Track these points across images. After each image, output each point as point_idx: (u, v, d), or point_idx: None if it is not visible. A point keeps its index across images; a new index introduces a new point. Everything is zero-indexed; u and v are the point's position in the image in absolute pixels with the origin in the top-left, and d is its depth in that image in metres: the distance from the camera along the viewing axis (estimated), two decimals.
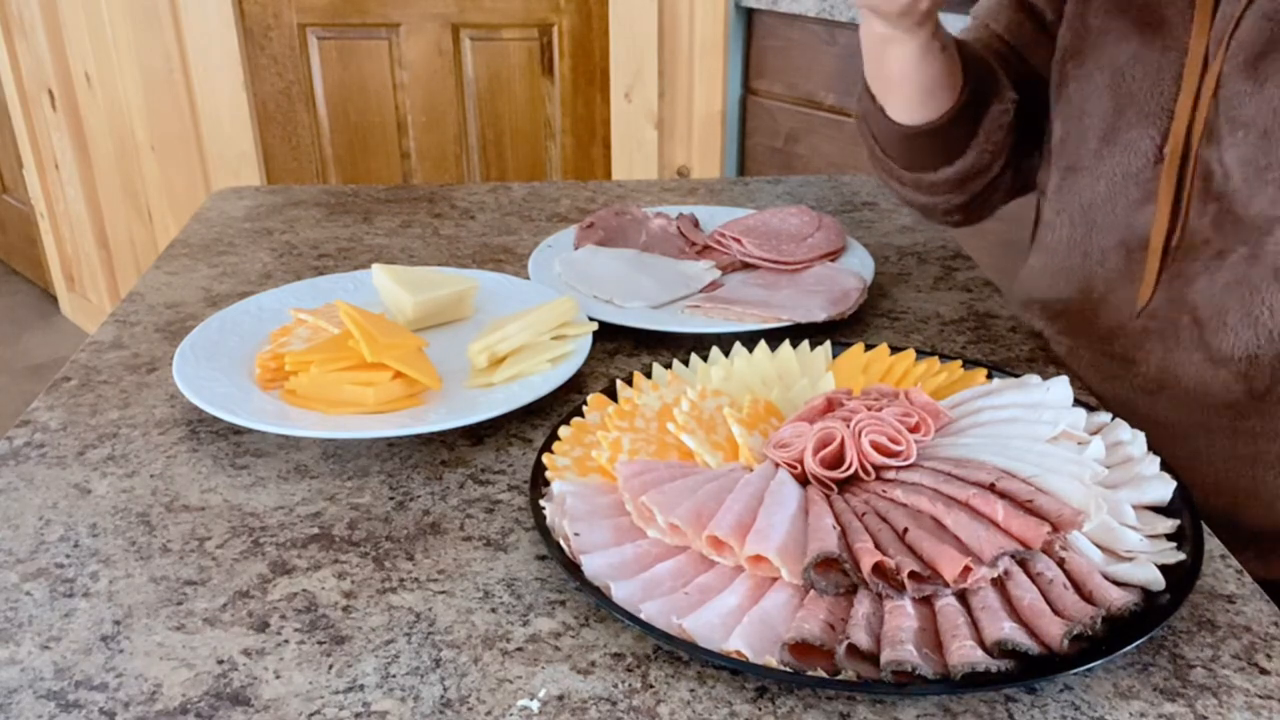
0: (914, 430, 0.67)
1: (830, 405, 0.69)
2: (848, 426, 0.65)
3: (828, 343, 0.83)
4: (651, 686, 0.54)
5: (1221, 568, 0.63)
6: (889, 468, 0.65)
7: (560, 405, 0.80)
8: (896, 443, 0.65)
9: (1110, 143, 0.84)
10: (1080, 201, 0.89)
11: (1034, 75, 0.95)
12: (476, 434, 0.77)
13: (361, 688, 0.54)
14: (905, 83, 0.87)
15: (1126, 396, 0.87)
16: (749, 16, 2.20)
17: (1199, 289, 0.81)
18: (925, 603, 0.56)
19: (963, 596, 0.56)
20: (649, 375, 0.79)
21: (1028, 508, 0.60)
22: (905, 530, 0.59)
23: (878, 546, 0.58)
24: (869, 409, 0.67)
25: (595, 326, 0.87)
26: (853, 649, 0.52)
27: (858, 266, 1.02)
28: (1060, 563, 0.58)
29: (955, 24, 1.80)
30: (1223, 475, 0.82)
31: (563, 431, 0.72)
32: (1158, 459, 0.68)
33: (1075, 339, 0.92)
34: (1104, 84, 0.85)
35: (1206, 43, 0.77)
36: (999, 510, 0.59)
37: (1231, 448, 0.82)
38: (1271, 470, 0.81)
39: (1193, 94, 0.78)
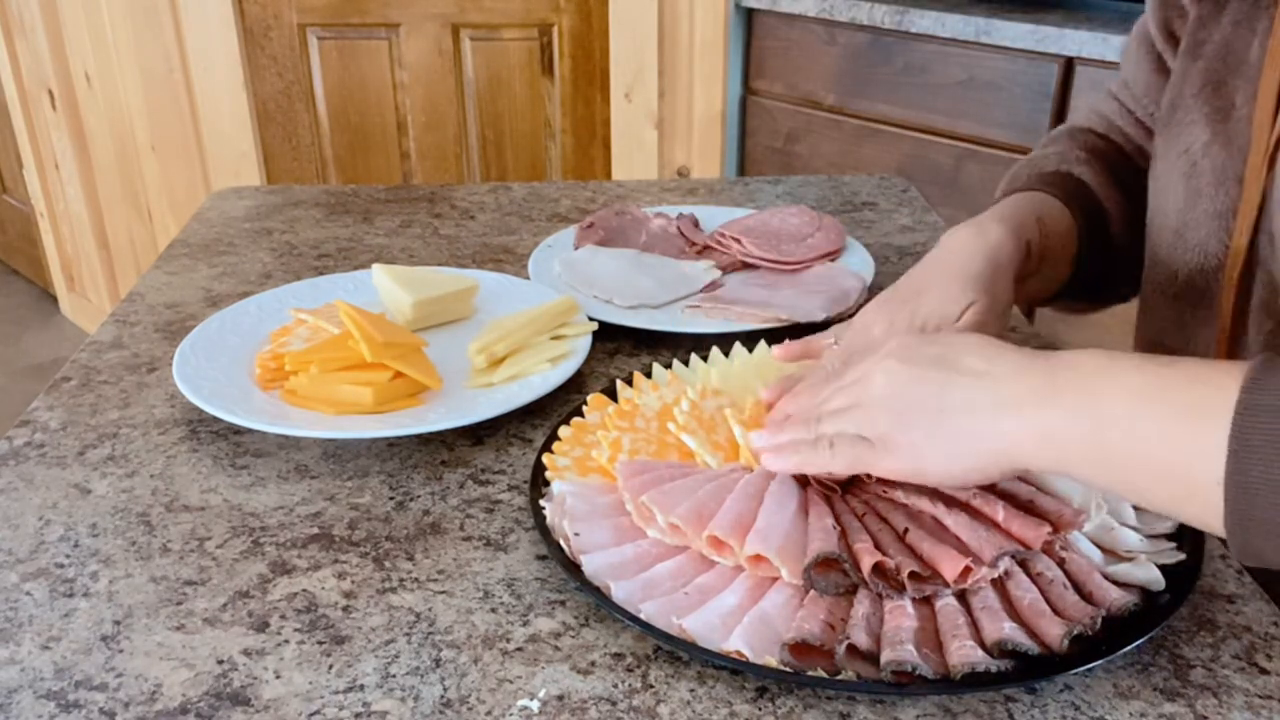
0: None
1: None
2: None
3: None
4: (651, 686, 0.54)
5: (1221, 568, 0.63)
6: None
7: (560, 405, 0.80)
8: None
9: (1181, 238, 0.77)
10: (1159, 298, 0.81)
11: None
12: (476, 434, 0.77)
13: (361, 688, 0.54)
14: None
15: None
16: (749, 16, 2.20)
17: None
18: (925, 603, 0.56)
19: (963, 596, 0.56)
20: (649, 375, 0.79)
21: (1028, 508, 0.60)
22: (905, 530, 0.59)
23: (878, 546, 0.58)
24: None
25: (595, 326, 0.87)
26: (853, 649, 0.52)
27: (858, 266, 1.02)
28: (1060, 563, 0.58)
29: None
30: None
31: (563, 431, 0.72)
32: None
33: None
34: (1180, 172, 0.76)
35: (1270, 146, 0.69)
36: (999, 510, 0.59)
37: None
38: None
39: (1257, 200, 0.70)
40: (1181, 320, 0.80)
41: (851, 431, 0.60)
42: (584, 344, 0.84)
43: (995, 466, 0.56)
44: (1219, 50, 0.76)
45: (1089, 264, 0.84)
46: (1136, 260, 0.85)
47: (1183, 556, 0.59)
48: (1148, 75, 0.87)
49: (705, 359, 0.82)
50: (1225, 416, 0.49)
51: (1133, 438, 0.52)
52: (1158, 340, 0.83)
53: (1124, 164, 0.89)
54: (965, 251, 0.74)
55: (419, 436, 0.76)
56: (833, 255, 1.04)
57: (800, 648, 0.53)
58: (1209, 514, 0.50)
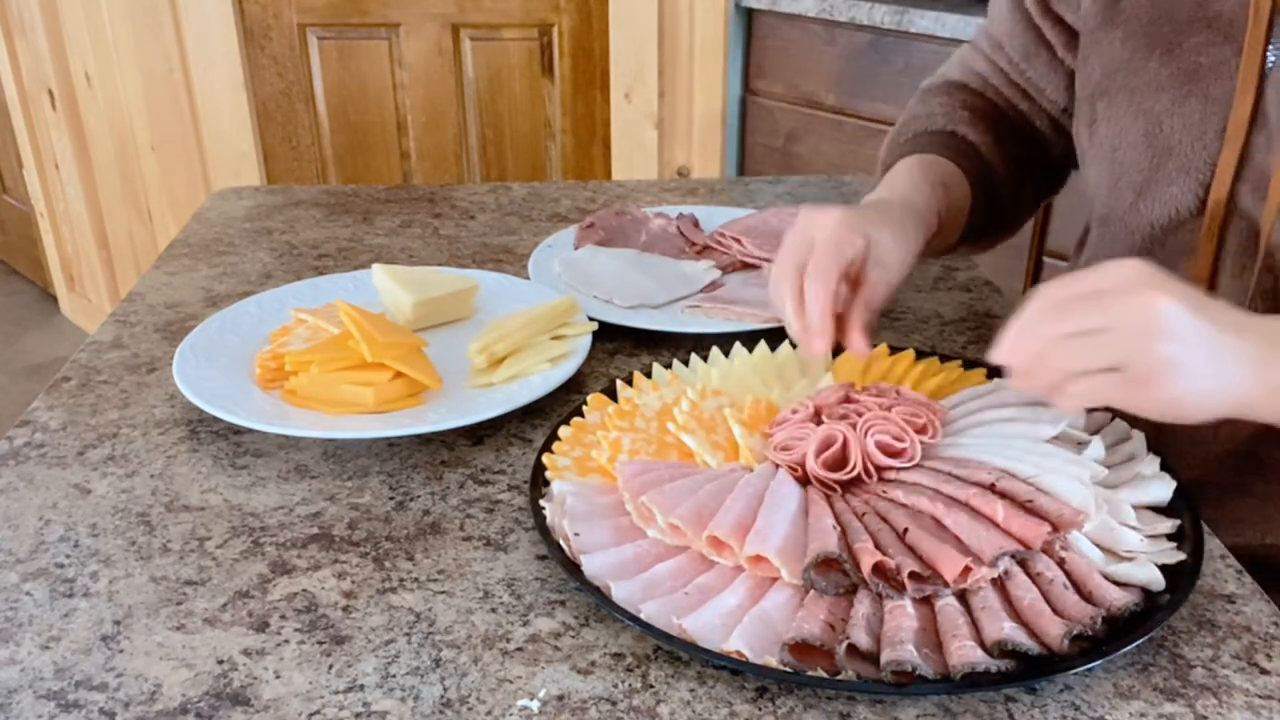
0: (921, 431, 0.67)
1: (818, 413, 0.69)
2: (853, 428, 0.65)
3: None
4: (651, 686, 0.54)
5: (1221, 568, 0.63)
6: (890, 468, 0.65)
7: (560, 405, 0.80)
8: (901, 440, 0.65)
9: (1147, 196, 0.80)
10: (1115, 252, 0.85)
11: (1044, 105, 0.95)
12: (476, 434, 0.77)
13: (361, 688, 0.54)
14: None
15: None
16: (749, 16, 2.20)
17: None
18: (925, 603, 0.56)
19: (963, 596, 0.56)
20: (649, 375, 0.79)
21: (1028, 508, 0.60)
22: (905, 530, 0.59)
23: (878, 546, 0.58)
24: (882, 407, 0.67)
25: (595, 326, 0.87)
26: (853, 649, 0.52)
27: None
28: (1060, 563, 0.58)
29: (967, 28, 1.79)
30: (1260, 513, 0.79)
31: (563, 431, 0.72)
32: (1158, 459, 0.68)
33: None
34: (1139, 132, 0.80)
35: (1254, 100, 0.73)
36: (999, 510, 0.59)
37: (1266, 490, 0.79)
38: None
39: (1237, 151, 0.74)
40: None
41: (1095, 364, 0.59)
42: (584, 344, 0.84)
43: (1232, 414, 0.60)
44: (1153, 15, 0.81)
45: (979, 218, 0.92)
46: (1018, 206, 0.97)
47: (1183, 556, 0.59)
48: (1025, 43, 0.94)
49: (705, 359, 0.82)
50: None
51: None
52: None
53: (1002, 121, 0.96)
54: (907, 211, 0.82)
55: (419, 436, 0.76)
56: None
57: (800, 648, 0.53)
58: None
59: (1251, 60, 0.74)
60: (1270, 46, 0.74)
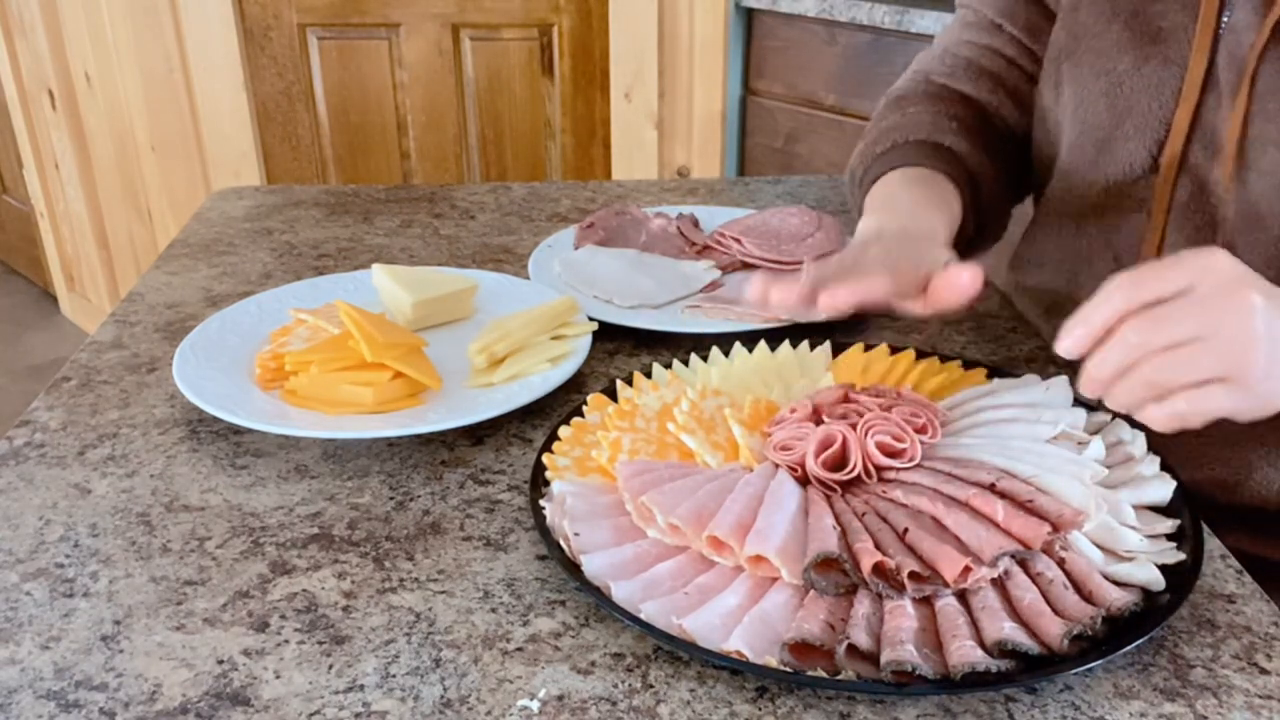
0: (921, 431, 0.67)
1: (817, 412, 0.69)
2: (853, 429, 0.65)
3: (828, 343, 0.83)
4: (651, 686, 0.54)
5: (1221, 568, 0.63)
6: (890, 468, 0.65)
7: (560, 405, 0.80)
8: (900, 440, 0.65)
9: (1106, 152, 0.84)
10: (1073, 206, 0.89)
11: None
12: (476, 434, 0.77)
13: (361, 688, 0.54)
14: None
15: None
16: (749, 16, 2.20)
17: None
18: (925, 603, 0.56)
19: (963, 596, 0.56)
20: (649, 375, 0.79)
21: (1028, 508, 0.60)
22: (905, 530, 0.59)
23: (878, 546, 0.58)
24: (881, 408, 0.67)
25: (595, 326, 0.87)
26: (853, 649, 0.52)
27: None
28: (1060, 563, 0.58)
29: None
30: (1204, 452, 0.82)
31: (563, 431, 0.72)
32: (1158, 459, 0.68)
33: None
34: (1100, 92, 0.84)
35: (1208, 63, 0.77)
36: (999, 510, 0.59)
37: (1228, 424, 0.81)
38: (1263, 445, 0.81)
39: (1190, 111, 0.78)
40: (1089, 230, 0.88)
41: (1209, 375, 0.56)
42: (584, 344, 0.84)
43: None
44: None
45: (969, 230, 0.91)
46: (1005, 216, 0.98)
47: (1183, 556, 0.59)
48: (1028, 17, 0.94)
49: (705, 359, 0.82)
50: None
51: None
52: (1056, 256, 0.92)
53: (990, 129, 0.95)
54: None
55: (419, 436, 0.76)
56: (833, 255, 1.04)
57: (800, 648, 0.53)
58: None
59: (1207, 24, 0.77)
60: (1224, 11, 0.77)
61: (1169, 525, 0.63)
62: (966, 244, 0.93)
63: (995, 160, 0.93)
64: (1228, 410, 0.57)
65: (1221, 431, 0.79)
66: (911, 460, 0.65)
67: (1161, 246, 0.82)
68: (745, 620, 0.55)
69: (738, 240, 1.04)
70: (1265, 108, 0.74)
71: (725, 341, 0.84)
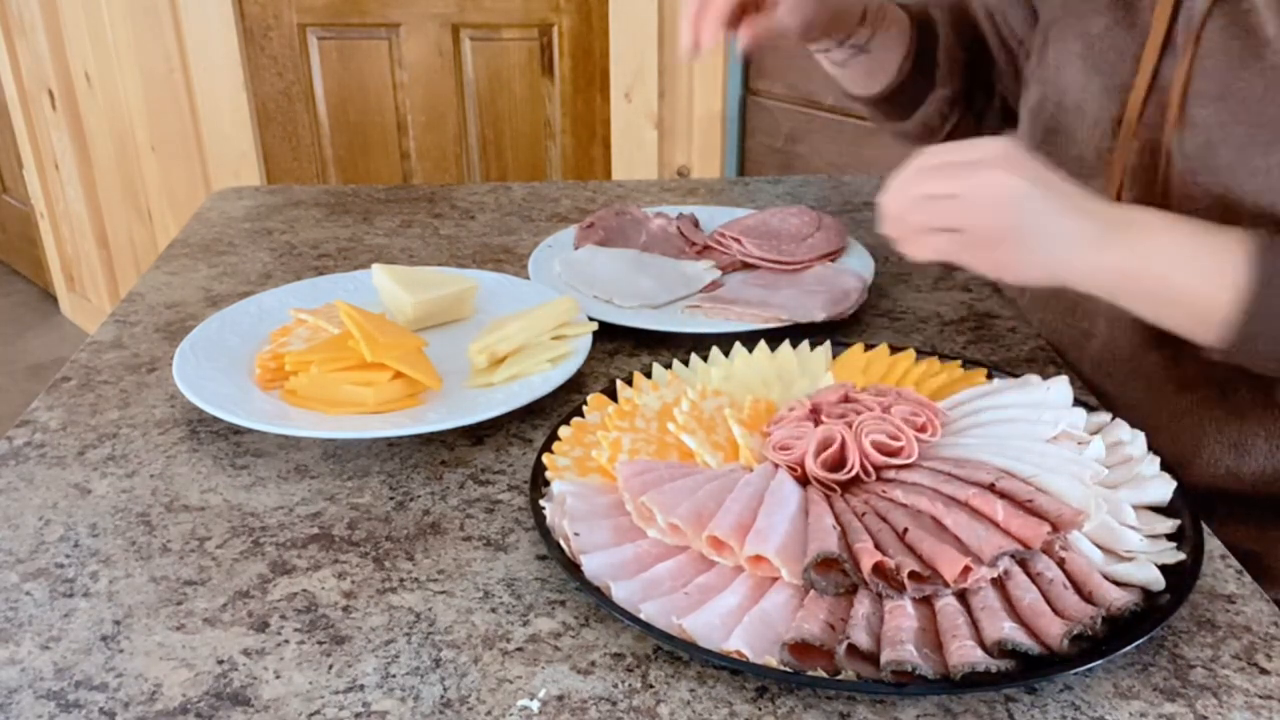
0: (921, 430, 0.67)
1: (816, 411, 0.69)
2: (850, 428, 0.65)
3: (828, 343, 0.83)
4: (651, 686, 0.54)
5: (1221, 568, 0.63)
6: (890, 467, 0.65)
7: (560, 405, 0.80)
8: (897, 439, 0.65)
9: (1079, 111, 0.87)
10: (1055, 163, 0.91)
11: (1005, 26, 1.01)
12: (476, 434, 0.77)
13: (361, 688, 0.54)
14: (839, 73, 1.02)
15: (1078, 357, 0.91)
16: None
17: None
18: (925, 603, 0.56)
19: (963, 596, 0.56)
20: (649, 375, 0.79)
21: (1028, 508, 0.60)
22: (905, 530, 0.59)
23: (878, 546, 0.58)
24: (881, 406, 0.67)
25: (595, 326, 0.87)
26: (853, 649, 0.52)
27: (858, 266, 1.02)
28: (1060, 563, 0.58)
29: None
30: (1167, 430, 0.83)
31: (563, 431, 0.72)
32: (1158, 459, 0.68)
33: (1038, 304, 0.96)
34: (1076, 53, 0.88)
35: (1168, 27, 0.81)
36: (999, 510, 0.59)
37: (1176, 402, 0.84)
38: (1210, 422, 0.83)
39: (1150, 74, 0.82)
40: (1078, 180, 0.93)
41: (942, 224, 0.68)
42: (584, 344, 0.84)
43: (1054, 283, 0.70)
44: None
45: (906, 74, 0.99)
46: (942, 89, 1.03)
47: (1183, 556, 0.59)
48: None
49: (705, 359, 0.82)
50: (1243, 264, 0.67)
51: (1172, 269, 0.69)
52: None
53: (964, 20, 1.03)
54: None
55: (419, 436, 0.76)
56: (833, 255, 1.04)
57: (800, 648, 0.53)
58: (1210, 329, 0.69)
59: None
60: None
61: (1169, 525, 0.63)
62: (899, 92, 1.01)
63: (957, 35, 1.01)
64: (964, 260, 0.69)
65: (1169, 408, 0.81)
66: (909, 458, 0.65)
67: (1119, 202, 0.85)
68: (745, 620, 0.55)
69: (738, 240, 1.04)
70: (1205, 65, 0.77)
71: (725, 341, 0.84)
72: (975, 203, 0.67)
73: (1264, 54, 0.74)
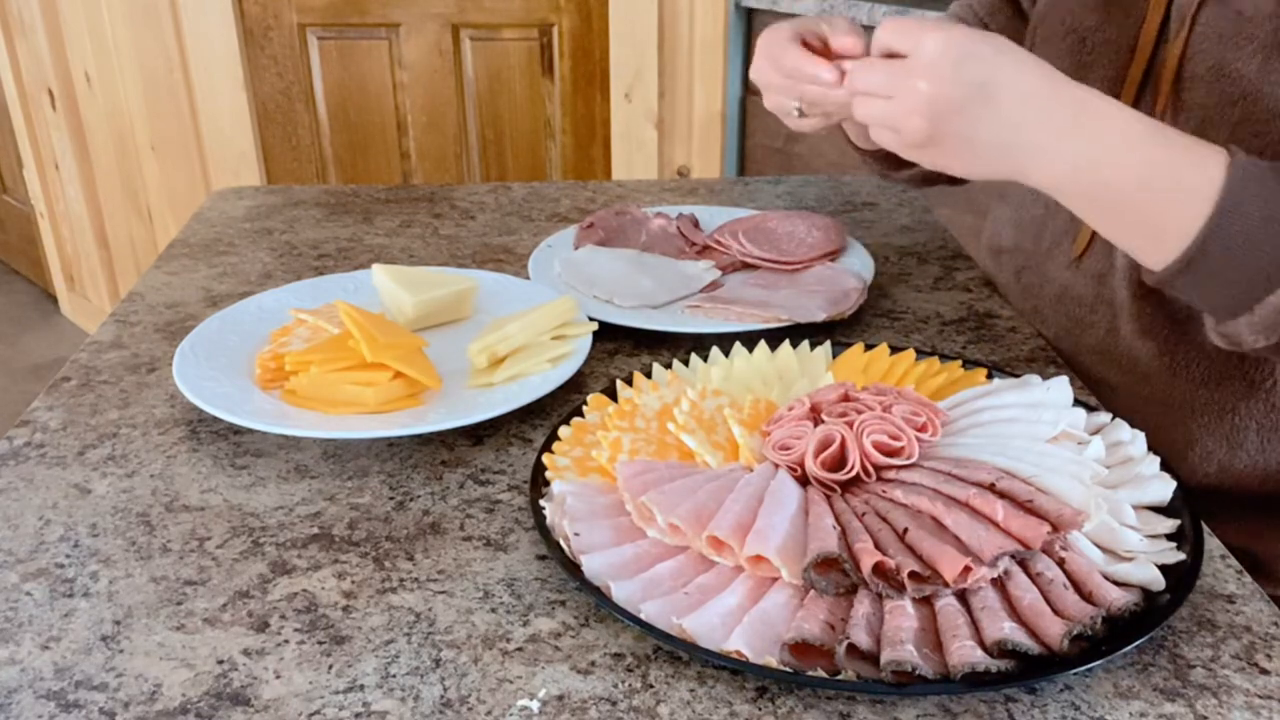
0: (921, 430, 0.67)
1: (815, 411, 0.69)
2: (850, 428, 0.65)
3: (828, 343, 0.83)
4: (651, 686, 0.54)
5: (1221, 568, 0.63)
6: (890, 467, 0.65)
7: (560, 405, 0.80)
8: (897, 439, 0.65)
9: None
10: None
11: None
12: (476, 434, 0.77)
13: (361, 688, 0.54)
14: (848, 127, 0.99)
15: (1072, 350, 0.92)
16: (749, 16, 2.20)
17: None
18: (925, 603, 0.56)
19: (963, 596, 0.56)
20: (649, 375, 0.79)
21: (1028, 508, 0.60)
22: (905, 530, 0.59)
23: (878, 546, 0.58)
24: (881, 406, 0.67)
25: (595, 326, 0.87)
26: (853, 649, 0.52)
27: (858, 266, 1.02)
28: (1060, 563, 0.58)
29: None
30: (1159, 422, 0.84)
31: (563, 431, 0.72)
32: (1158, 459, 0.68)
33: (1030, 293, 0.97)
34: (1066, 48, 0.89)
35: (1164, 15, 0.81)
36: (999, 510, 0.59)
37: (1168, 392, 0.85)
38: (1201, 414, 0.84)
39: (1144, 64, 0.83)
40: None
41: (878, 121, 0.70)
42: (584, 344, 0.84)
43: (1002, 179, 0.70)
44: None
45: None
46: None
47: (1183, 556, 0.59)
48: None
49: (705, 359, 0.82)
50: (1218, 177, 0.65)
51: (1123, 177, 0.66)
52: (1024, 216, 0.98)
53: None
54: None
55: (419, 436, 0.76)
56: (833, 255, 1.04)
57: (800, 648, 0.53)
58: (1166, 250, 0.67)
59: None
60: None
61: (1169, 525, 0.63)
62: None
63: None
64: (895, 147, 0.70)
65: (1161, 399, 0.82)
66: (909, 458, 0.65)
67: None
68: (745, 620, 0.55)
69: (738, 240, 1.04)
70: (1200, 48, 0.78)
71: (725, 341, 0.84)
72: (904, 105, 0.67)
73: (1257, 34, 0.75)
